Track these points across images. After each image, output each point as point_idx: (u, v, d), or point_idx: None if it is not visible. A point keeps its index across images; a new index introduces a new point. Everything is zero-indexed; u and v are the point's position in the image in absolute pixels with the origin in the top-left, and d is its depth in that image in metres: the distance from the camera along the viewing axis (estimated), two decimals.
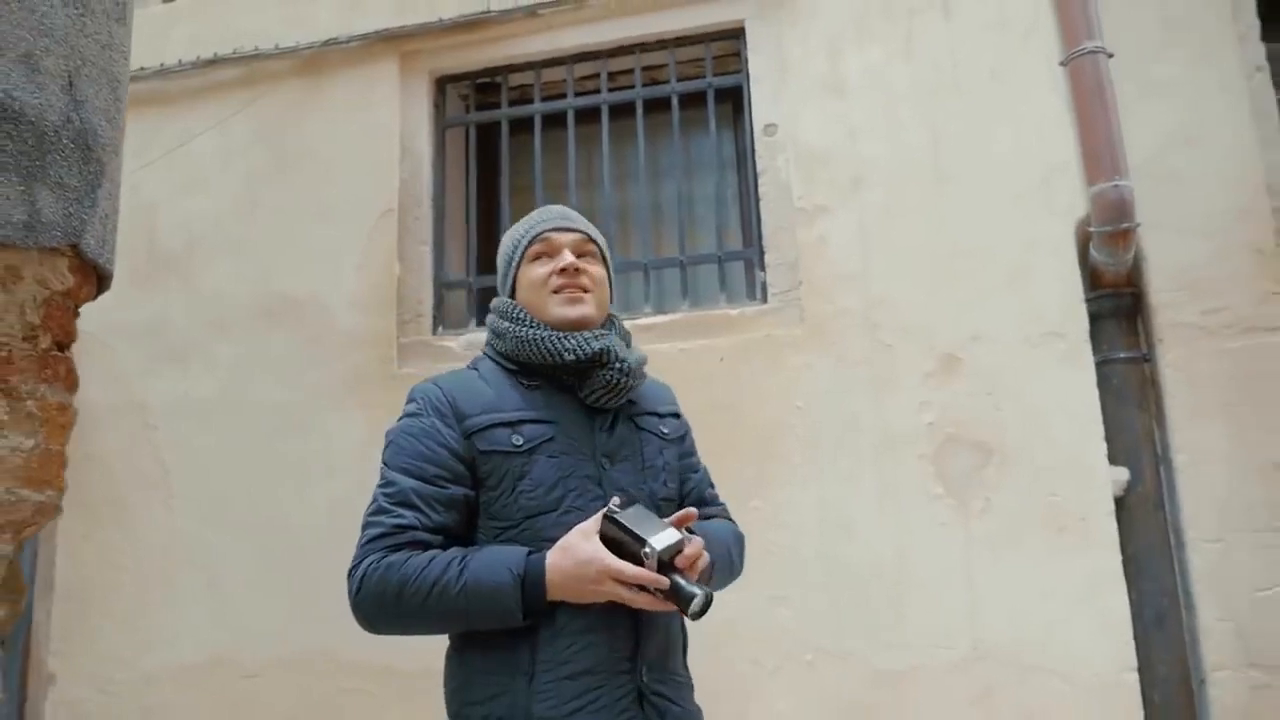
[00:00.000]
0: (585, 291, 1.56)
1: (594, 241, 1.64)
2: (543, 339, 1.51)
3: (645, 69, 3.63)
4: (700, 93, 3.50)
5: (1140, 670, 2.72)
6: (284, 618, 3.33)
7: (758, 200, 3.31)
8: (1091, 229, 2.89)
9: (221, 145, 3.77)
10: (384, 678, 3.22)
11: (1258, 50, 2.99)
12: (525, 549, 1.39)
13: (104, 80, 1.26)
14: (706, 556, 1.40)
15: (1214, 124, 2.93)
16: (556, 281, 1.55)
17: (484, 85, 3.85)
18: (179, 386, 3.60)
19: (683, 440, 1.69)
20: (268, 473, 3.44)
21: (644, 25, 3.52)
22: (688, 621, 1.53)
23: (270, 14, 3.83)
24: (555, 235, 1.60)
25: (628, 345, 1.61)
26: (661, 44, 3.56)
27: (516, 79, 3.77)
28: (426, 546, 1.41)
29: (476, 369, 1.59)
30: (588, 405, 1.53)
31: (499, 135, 3.72)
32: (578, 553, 1.34)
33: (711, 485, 1.74)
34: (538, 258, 1.59)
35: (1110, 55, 2.96)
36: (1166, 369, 2.87)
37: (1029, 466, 2.87)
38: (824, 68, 3.27)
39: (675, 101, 3.50)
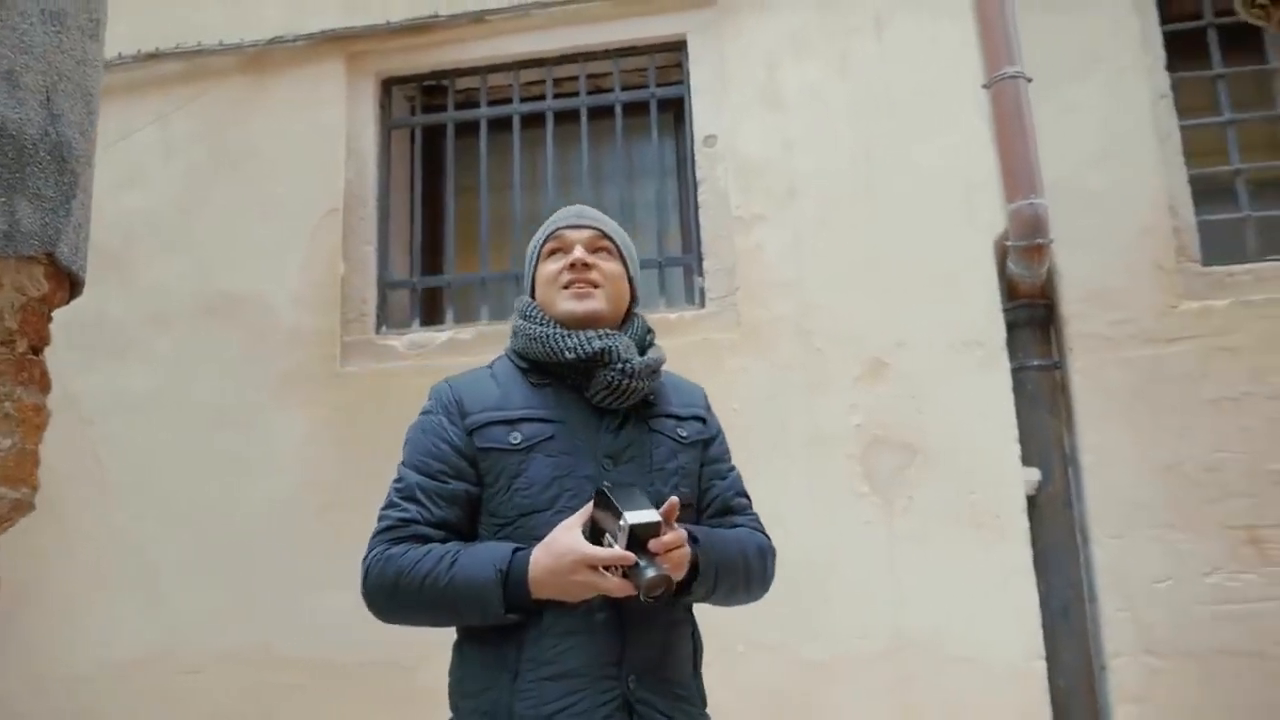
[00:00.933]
0: (595, 287, 1.56)
1: (609, 238, 1.63)
2: (547, 336, 1.52)
3: (590, 76, 3.72)
4: (643, 102, 3.61)
5: (1047, 658, 2.90)
6: (222, 614, 3.34)
7: (697, 208, 3.42)
8: (1009, 243, 3.07)
9: (163, 140, 3.76)
10: (322, 672, 3.26)
11: (1163, 79, 3.20)
12: (513, 546, 1.41)
13: (78, 95, 1.31)
14: (686, 550, 1.37)
15: (1122, 148, 3.14)
16: (565, 277, 1.56)
17: (430, 88, 3.89)
18: (116, 382, 3.58)
19: (707, 445, 1.64)
20: (207, 469, 3.44)
21: (589, 35, 3.61)
22: (700, 632, 1.57)
23: (215, 9, 3.82)
24: (568, 233, 1.61)
25: (645, 345, 1.60)
26: (606, 53, 3.65)
27: (463, 82, 3.83)
28: (427, 540, 1.44)
29: (492, 367, 1.62)
30: (596, 405, 1.52)
31: (444, 137, 3.77)
32: (556, 545, 1.35)
33: (742, 495, 1.68)
34: (552, 254, 1.61)
35: (1029, 80, 3.14)
36: (1075, 376, 3.06)
37: (949, 466, 3.03)
38: (763, 82, 3.40)
39: (619, 110, 3.60)
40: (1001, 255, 3.13)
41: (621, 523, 1.29)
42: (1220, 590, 2.88)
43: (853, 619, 3.01)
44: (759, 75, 3.41)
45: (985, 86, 3.18)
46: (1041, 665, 2.90)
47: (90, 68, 1.34)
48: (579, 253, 1.57)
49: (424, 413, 1.56)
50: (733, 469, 1.69)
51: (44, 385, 1.23)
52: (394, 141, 3.82)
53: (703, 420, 1.66)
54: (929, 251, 3.16)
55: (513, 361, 1.60)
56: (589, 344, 1.49)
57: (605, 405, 1.52)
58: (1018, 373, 3.10)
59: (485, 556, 1.40)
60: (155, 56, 3.77)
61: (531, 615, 1.39)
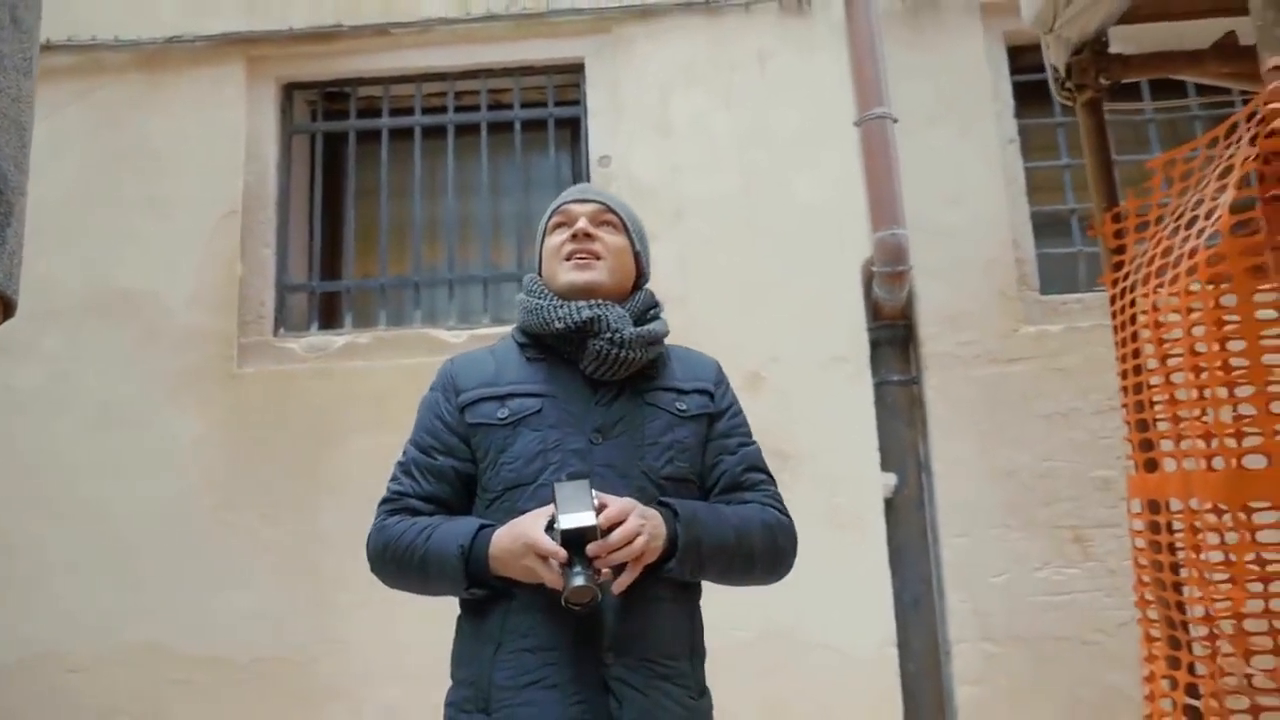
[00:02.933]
0: (597, 258, 1.56)
1: (614, 212, 1.62)
2: (540, 308, 1.53)
3: (491, 91, 3.86)
4: (542, 120, 3.77)
5: (899, 644, 3.21)
6: (110, 611, 3.36)
7: None
8: (874, 269, 3.37)
9: (54, 132, 3.69)
10: (212, 668, 3.32)
11: (1010, 125, 3.56)
12: (480, 523, 1.44)
13: (13, 130, 1.41)
14: (635, 549, 1.33)
15: (973, 186, 3.48)
16: (568, 248, 1.56)
17: (332, 94, 3.95)
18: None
19: (713, 420, 1.59)
20: (96, 467, 3.43)
21: (490, 53, 3.76)
22: (703, 612, 1.57)
23: (110, 5, 3.80)
24: (574, 207, 1.61)
25: (645, 318, 1.58)
26: (507, 72, 3.80)
27: (365, 90, 3.91)
28: (417, 513, 1.49)
29: (494, 345, 1.64)
30: (591, 378, 1.52)
31: (346, 144, 3.85)
32: (516, 528, 1.37)
33: (756, 470, 1.61)
34: (557, 228, 1.61)
35: (895, 120, 3.45)
36: (930, 391, 3.39)
37: (817, 471, 3.30)
38: (655, 108, 3.61)
39: (518, 126, 3.75)
40: (867, 280, 3.43)
41: (555, 526, 1.30)
42: (1048, 583, 3.24)
43: (728, 610, 3.22)
44: (651, 102, 3.62)
45: (856, 124, 3.47)
46: (894, 651, 3.20)
47: (24, 104, 1.43)
48: (582, 224, 1.57)
49: (430, 389, 1.60)
50: (745, 444, 1.62)
51: None
52: (295, 146, 3.87)
53: (709, 394, 1.60)
54: (803, 274, 3.43)
55: (514, 338, 1.62)
56: (578, 313, 1.49)
57: (597, 376, 1.51)
58: (879, 387, 3.40)
59: (452, 533, 1.43)
60: (47, 48, 3.71)
61: (502, 589, 1.41)
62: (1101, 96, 2.01)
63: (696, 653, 1.52)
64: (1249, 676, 1.36)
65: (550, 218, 1.64)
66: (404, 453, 1.57)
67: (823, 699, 3.18)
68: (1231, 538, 1.39)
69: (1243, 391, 1.40)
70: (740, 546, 1.48)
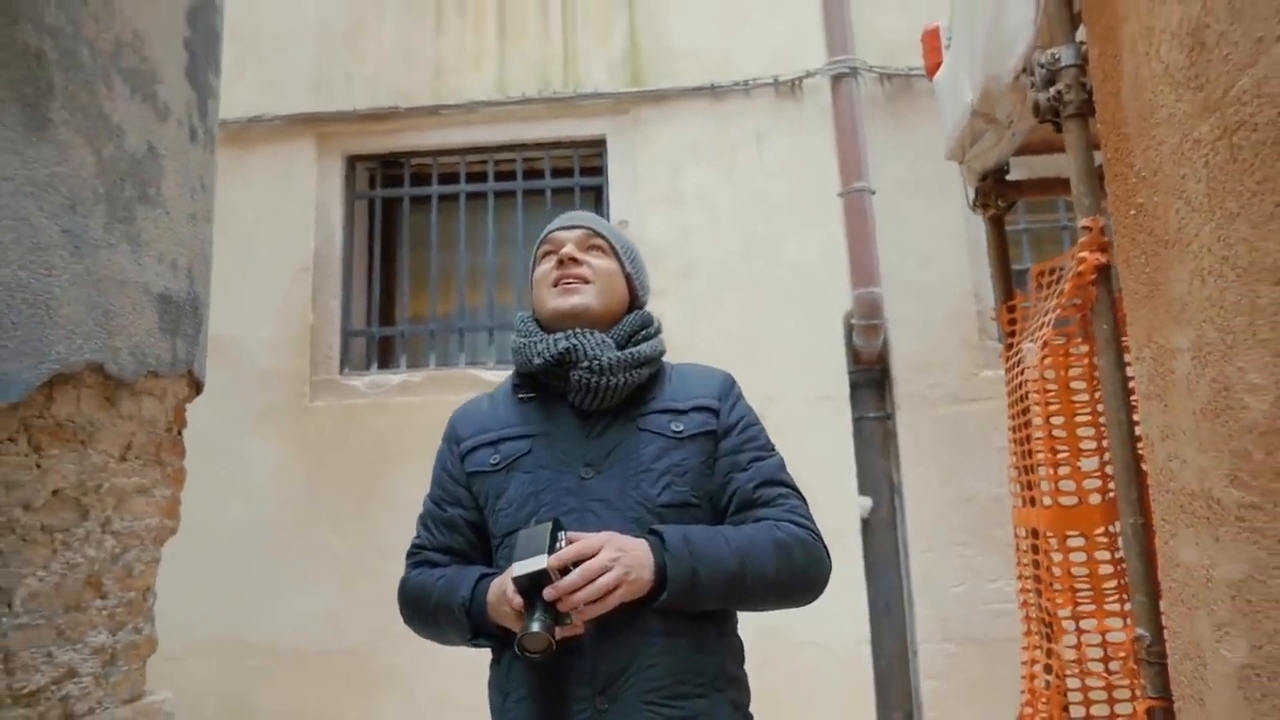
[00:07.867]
0: (585, 282, 1.50)
1: (601, 236, 1.57)
2: (524, 346, 1.49)
3: (526, 160, 4.46)
4: (569, 188, 4.36)
5: (873, 644, 3.75)
6: (202, 610, 3.97)
7: None
8: (854, 321, 3.92)
9: None
10: (286, 658, 3.92)
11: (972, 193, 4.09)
12: (481, 572, 1.42)
13: (204, 264, 2.01)
14: (601, 585, 1.24)
15: (941, 249, 4.02)
16: (554, 274, 1.51)
17: (389, 164, 4.57)
18: None
19: (719, 437, 1.48)
20: (194, 489, 3.92)
21: (524, 131, 4.36)
22: (724, 644, 1.45)
23: None
24: (560, 234, 1.57)
25: (634, 341, 1.50)
26: (539, 146, 4.40)
27: (417, 160, 4.52)
28: (435, 565, 1.49)
29: (495, 390, 1.60)
30: (582, 410, 1.46)
31: (400, 208, 4.46)
32: (502, 575, 1.32)
33: (770, 483, 1.50)
34: (545, 257, 1.57)
35: (873, 193, 4.00)
36: (901, 427, 3.93)
37: (804, 495, 3.84)
38: (666, 181, 4.19)
39: (549, 193, 4.35)
40: (848, 330, 3.98)
41: (511, 575, 1.25)
42: (1001, 593, 3.76)
43: None
44: (663, 174, 4.20)
45: (840, 195, 4.03)
46: (868, 650, 3.74)
47: (209, 244, 2.03)
48: (568, 249, 1.51)
49: (441, 441, 1.58)
50: (758, 458, 1.51)
51: (183, 453, 1.92)
52: (356, 211, 4.49)
53: (712, 411, 1.49)
54: (793, 325, 3.99)
55: (510, 380, 1.57)
56: (555, 345, 1.44)
57: (584, 407, 1.45)
58: (858, 422, 3.94)
59: (456, 583, 1.42)
60: None
61: (506, 638, 1.36)
62: (1003, 214, 2.56)
63: (720, 688, 1.37)
64: (1078, 663, 1.91)
65: (539, 247, 1.59)
66: (423, 505, 1.57)
67: (808, 689, 3.71)
68: (1056, 557, 1.92)
69: (1062, 449, 1.95)
70: (746, 570, 1.35)
